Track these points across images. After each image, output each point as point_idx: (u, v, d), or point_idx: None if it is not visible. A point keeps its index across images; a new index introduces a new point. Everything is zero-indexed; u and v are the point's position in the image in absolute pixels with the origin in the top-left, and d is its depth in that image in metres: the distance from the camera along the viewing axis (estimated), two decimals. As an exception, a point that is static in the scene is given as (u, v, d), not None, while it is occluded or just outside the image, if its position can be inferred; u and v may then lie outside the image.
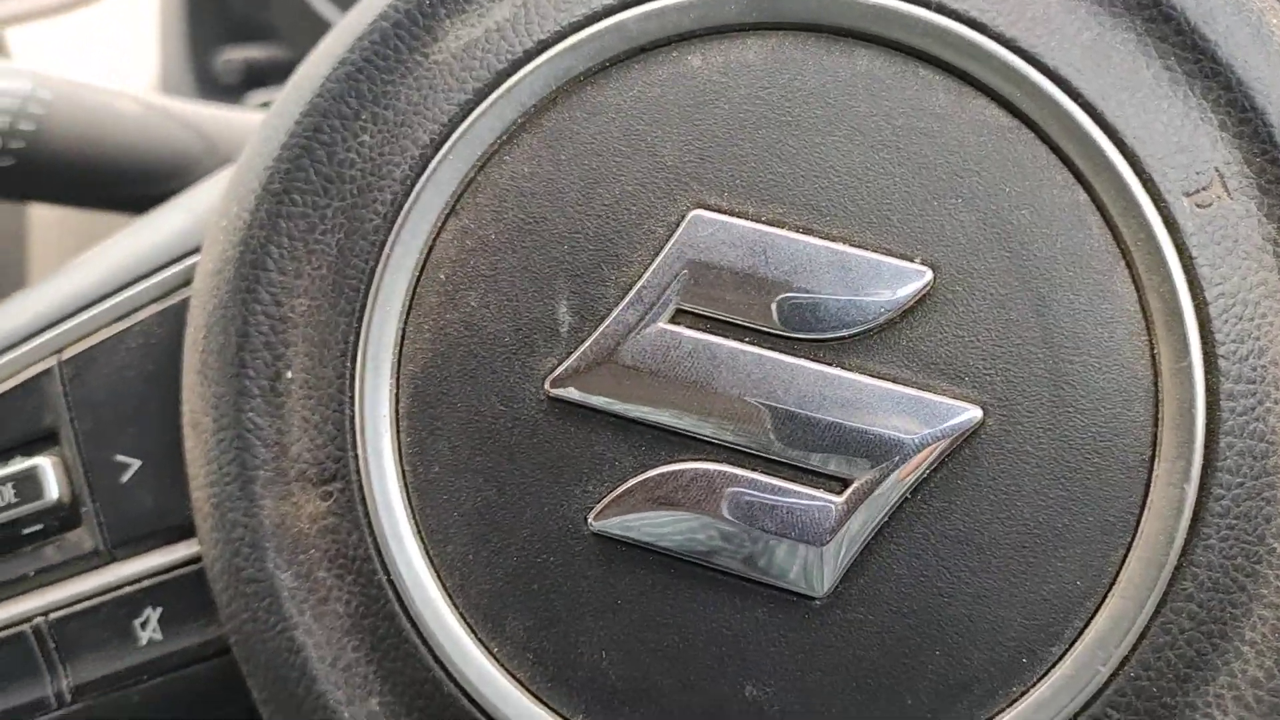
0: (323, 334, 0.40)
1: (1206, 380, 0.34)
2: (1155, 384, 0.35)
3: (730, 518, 0.36)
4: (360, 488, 0.39)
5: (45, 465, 0.44)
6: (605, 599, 0.37)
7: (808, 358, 0.36)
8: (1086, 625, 0.35)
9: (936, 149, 0.36)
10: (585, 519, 0.37)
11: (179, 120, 0.65)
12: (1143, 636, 0.35)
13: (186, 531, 0.43)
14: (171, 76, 0.94)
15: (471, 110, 0.39)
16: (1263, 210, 0.35)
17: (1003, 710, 0.35)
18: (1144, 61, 0.36)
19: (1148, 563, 0.34)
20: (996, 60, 0.36)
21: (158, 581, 0.43)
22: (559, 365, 0.38)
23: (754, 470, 0.36)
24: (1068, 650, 0.35)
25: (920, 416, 0.35)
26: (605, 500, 0.37)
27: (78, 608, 0.44)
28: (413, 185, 0.39)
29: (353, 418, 0.39)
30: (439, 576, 0.39)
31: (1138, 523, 0.35)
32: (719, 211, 0.37)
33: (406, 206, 0.39)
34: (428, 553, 0.39)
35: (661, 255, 0.37)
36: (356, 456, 0.39)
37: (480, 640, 0.38)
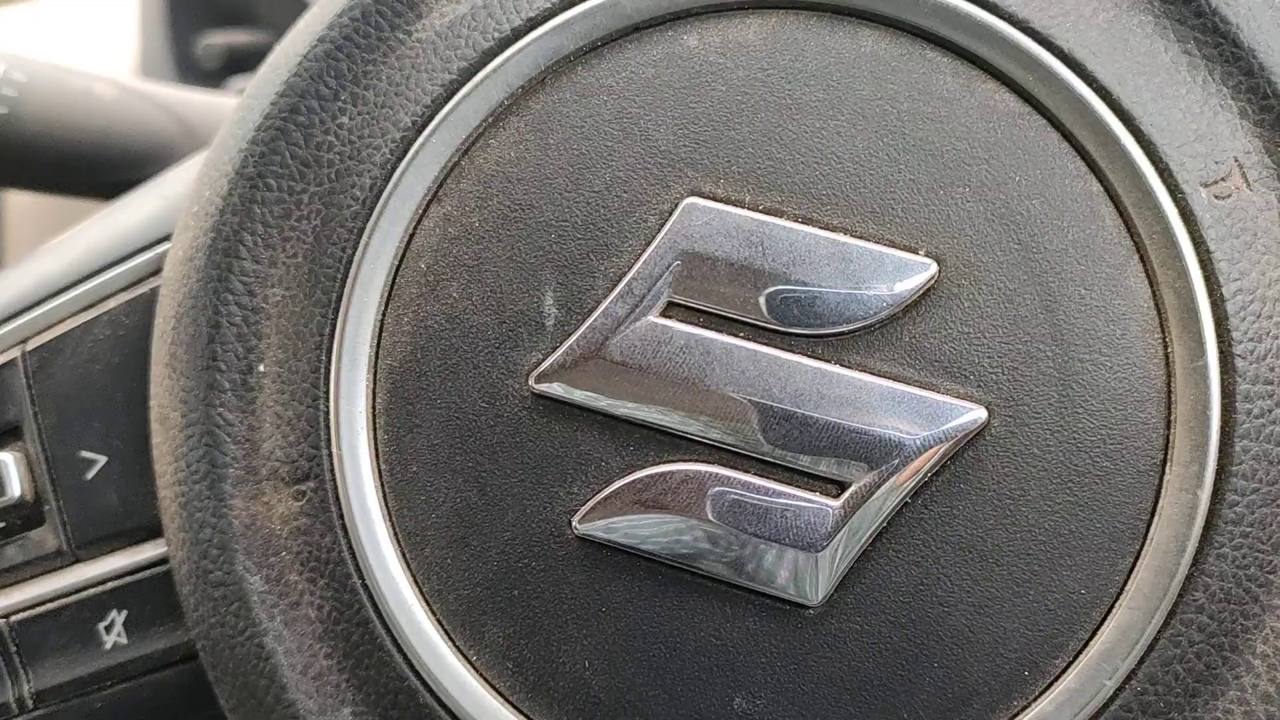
0: (297, 326, 0.38)
1: (1222, 381, 0.33)
2: (1168, 384, 0.33)
3: (721, 522, 0.35)
4: (334, 487, 0.37)
5: (7, 461, 0.42)
6: (589, 606, 0.36)
7: (805, 354, 0.34)
8: (1092, 637, 0.33)
9: (943, 135, 0.34)
10: (569, 522, 0.36)
11: (156, 105, 0.64)
12: (1151, 649, 0.33)
13: (153, 531, 0.42)
14: (151, 61, 0.92)
15: (456, 91, 0.37)
16: None
17: None
18: (1162, 45, 0.34)
19: (1157, 572, 0.33)
20: (1007, 42, 0.34)
21: (123, 583, 0.42)
22: (544, 360, 0.36)
23: (747, 472, 0.35)
24: (1072, 663, 0.34)
25: (922, 417, 0.34)
26: (591, 502, 0.35)
27: (40, 610, 0.42)
28: (393, 169, 0.37)
29: (327, 414, 0.37)
30: (416, 581, 0.37)
31: (1147, 530, 0.33)
32: (714, 199, 0.35)
33: (387, 192, 0.37)
34: (404, 556, 0.37)
35: (653, 245, 0.35)
36: (331, 454, 0.37)
37: (458, 648, 0.37)
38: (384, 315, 0.38)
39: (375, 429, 0.37)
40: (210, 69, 0.91)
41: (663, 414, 0.35)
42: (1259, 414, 0.33)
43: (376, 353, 0.37)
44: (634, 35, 0.37)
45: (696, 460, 0.35)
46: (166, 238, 0.43)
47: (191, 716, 0.44)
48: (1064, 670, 0.34)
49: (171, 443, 0.39)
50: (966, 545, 0.34)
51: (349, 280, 0.37)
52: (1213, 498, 0.33)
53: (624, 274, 0.35)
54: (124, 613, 0.42)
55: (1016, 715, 0.34)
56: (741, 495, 0.35)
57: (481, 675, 0.36)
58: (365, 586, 0.37)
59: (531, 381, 0.36)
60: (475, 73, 0.37)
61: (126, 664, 0.42)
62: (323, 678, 0.38)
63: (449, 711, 0.36)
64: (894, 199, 0.34)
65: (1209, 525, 0.33)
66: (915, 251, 0.34)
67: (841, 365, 0.34)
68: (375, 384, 0.37)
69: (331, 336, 0.38)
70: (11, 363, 0.43)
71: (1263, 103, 0.34)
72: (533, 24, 0.37)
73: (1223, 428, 0.33)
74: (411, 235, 0.37)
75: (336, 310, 0.38)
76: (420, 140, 0.37)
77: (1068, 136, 0.34)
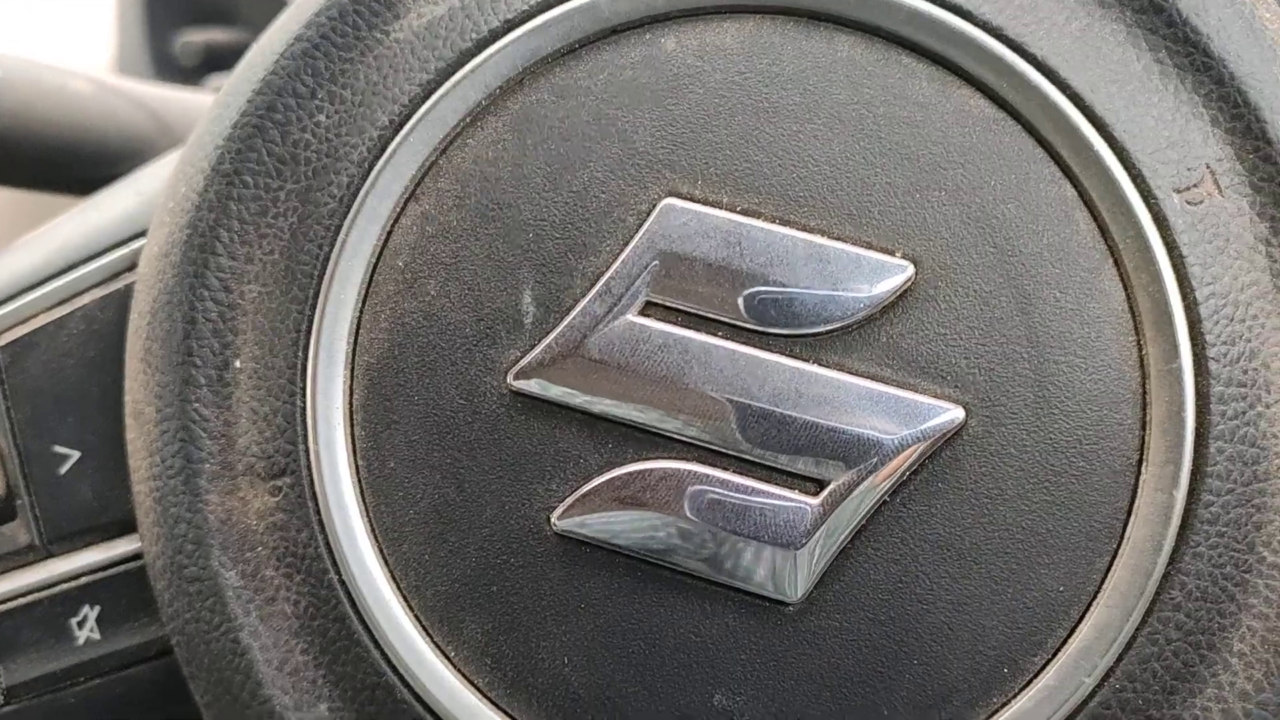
0: (274, 321, 0.38)
1: (1196, 383, 0.33)
2: (1143, 386, 0.34)
3: (700, 519, 0.35)
4: (311, 483, 0.37)
5: (-21, 455, 0.42)
6: (568, 602, 0.36)
7: (783, 353, 0.35)
8: (1070, 634, 0.34)
9: (919, 139, 0.35)
10: (548, 518, 0.36)
11: (133, 101, 0.63)
12: (1128, 647, 0.33)
13: (127, 527, 0.41)
14: (128, 58, 0.92)
15: (434, 91, 0.37)
16: (1255, 209, 0.34)
17: None
18: (1134, 54, 0.35)
19: (1134, 570, 0.33)
20: (982, 49, 0.35)
21: (96, 579, 0.42)
22: (522, 357, 0.36)
23: (726, 470, 0.35)
24: (1051, 660, 0.34)
25: (900, 416, 0.34)
26: (569, 499, 0.36)
27: (11, 605, 0.42)
28: (370, 168, 0.37)
29: (304, 410, 0.37)
30: (393, 577, 0.37)
31: (1124, 529, 0.34)
32: (692, 200, 0.35)
33: (364, 190, 0.37)
34: (381, 552, 0.37)
35: (631, 245, 0.35)
36: (307, 450, 0.37)
37: (436, 644, 0.37)
38: (361, 312, 0.37)
39: (352, 425, 0.37)
40: (188, 66, 0.91)
41: (641, 412, 0.35)
42: (1233, 415, 0.33)
43: (354, 349, 0.37)
44: (612, 38, 0.37)
45: (675, 458, 0.35)
46: (142, 234, 0.43)
47: (165, 713, 0.44)
48: (1043, 668, 0.34)
49: (146, 438, 0.39)
50: (945, 543, 0.34)
51: (326, 277, 0.37)
52: (1188, 497, 0.33)
53: (602, 273, 0.35)
54: (97, 608, 0.42)
55: (996, 712, 0.34)
56: (720, 493, 0.35)
57: (459, 671, 0.36)
58: (342, 582, 0.37)
59: (510, 379, 0.36)
60: (453, 73, 0.37)
61: (99, 660, 0.41)
62: (299, 673, 0.37)
63: (426, 707, 0.36)
64: (870, 201, 0.35)
65: (1185, 525, 0.33)
66: (892, 253, 0.34)
67: (819, 365, 0.35)
68: (352, 380, 0.37)
69: (308, 333, 0.37)
70: None
71: (1233, 111, 0.34)
72: (510, 25, 0.37)
73: (1197, 429, 0.33)
74: (389, 233, 0.37)
75: (313, 307, 0.37)
76: (398, 139, 0.37)
77: (1042, 142, 0.35)
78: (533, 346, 0.36)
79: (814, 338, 0.35)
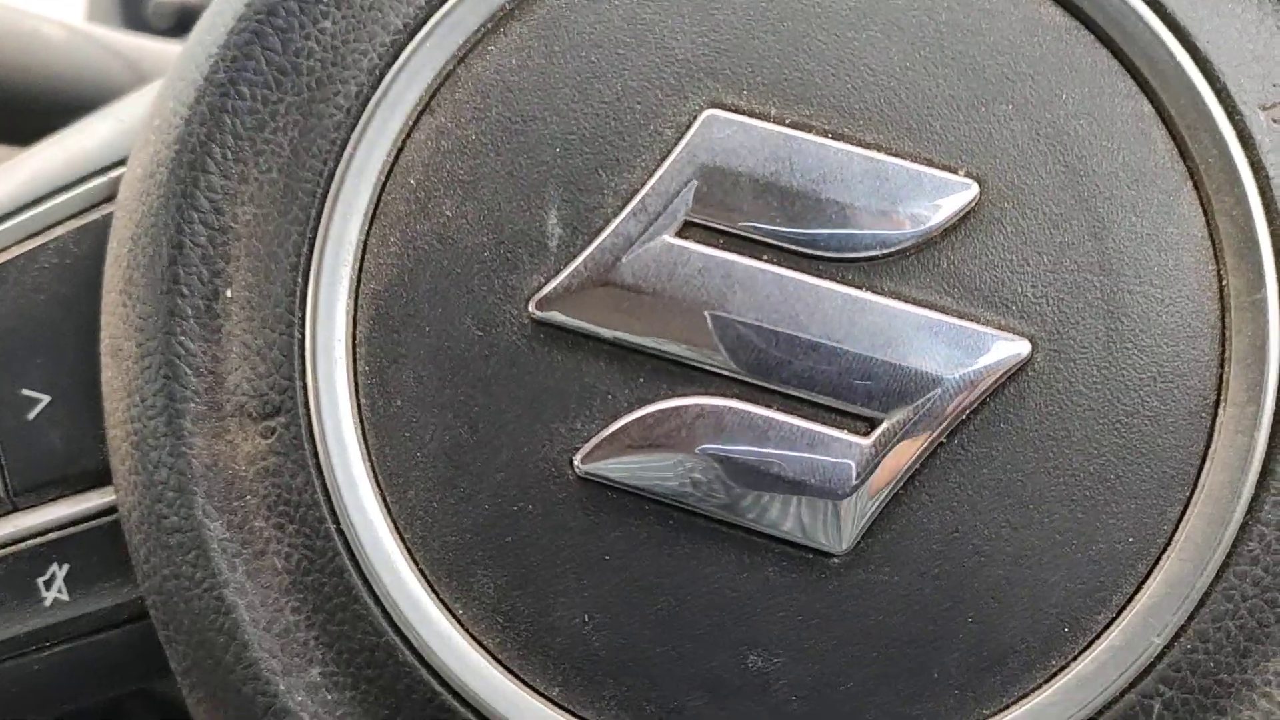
0: (270, 246, 0.35)
1: None
2: (1223, 319, 0.31)
3: (739, 461, 0.32)
4: (308, 423, 0.34)
5: (-61, 398, 0.38)
6: (590, 554, 0.33)
7: (835, 280, 0.32)
8: (1138, 590, 0.31)
9: (984, 49, 0.32)
10: (571, 461, 0.33)
11: (108, 49, 0.60)
12: (1201, 604, 0.31)
13: (100, 478, 0.38)
14: (99, 18, 0.88)
15: None
16: None
17: (1040, 686, 0.32)
18: None
19: (1209, 520, 0.31)
20: None
21: (65, 534, 0.38)
22: (546, 284, 0.33)
23: (769, 407, 0.32)
24: (1116, 618, 0.31)
25: (961, 349, 0.31)
26: (595, 439, 0.33)
27: (-28, 562, 0.38)
28: (381, 77, 0.34)
29: (302, 342, 0.34)
30: (397, 527, 0.34)
31: (1198, 475, 0.31)
32: (736, 112, 0.33)
33: (374, 101, 0.34)
34: (384, 499, 0.34)
35: (669, 160, 0.33)
36: (305, 387, 0.34)
37: (442, 601, 0.34)
38: (368, 235, 0.34)
39: (355, 359, 0.34)
40: (160, 29, 0.87)
41: (677, 343, 0.32)
42: None
43: (359, 276, 0.34)
44: None
45: (713, 394, 0.32)
46: (122, 161, 0.39)
47: (139, 683, 0.41)
48: (1107, 626, 0.31)
49: (125, 376, 0.36)
50: (1005, 490, 0.31)
51: (330, 196, 0.34)
52: (1270, 441, 0.31)
53: (636, 190, 0.33)
54: (65, 567, 0.38)
55: (1055, 675, 0.31)
56: (762, 432, 0.32)
57: (468, 631, 0.34)
58: (340, 532, 0.34)
59: (532, 307, 0.33)
60: None
61: (68, 623, 0.38)
62: (289, 634, 0.34)
63: (431, 670, 0.33)
64: (932, 115, 0.32)
65: (1265, 471, 0.31)
66: (955, 171, 0.32)
67: (874, 292, 0.32)
68: (356, 310, 0.34)
69: (309, 258, 0.34)
70: None
71: None
72: None
73: None
74: (400, 149, 0.34)
75: (315, 229, 0.34)
76: (412, 45, 0.34)
77: (1117, 53, 0.32)
78: (558, 271, 0.33)
79: (869, 262, 0.32)
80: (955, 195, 0.32)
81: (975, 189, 0.32)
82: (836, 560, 0.32)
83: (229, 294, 0.35)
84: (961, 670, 0.31)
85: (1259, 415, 0.31)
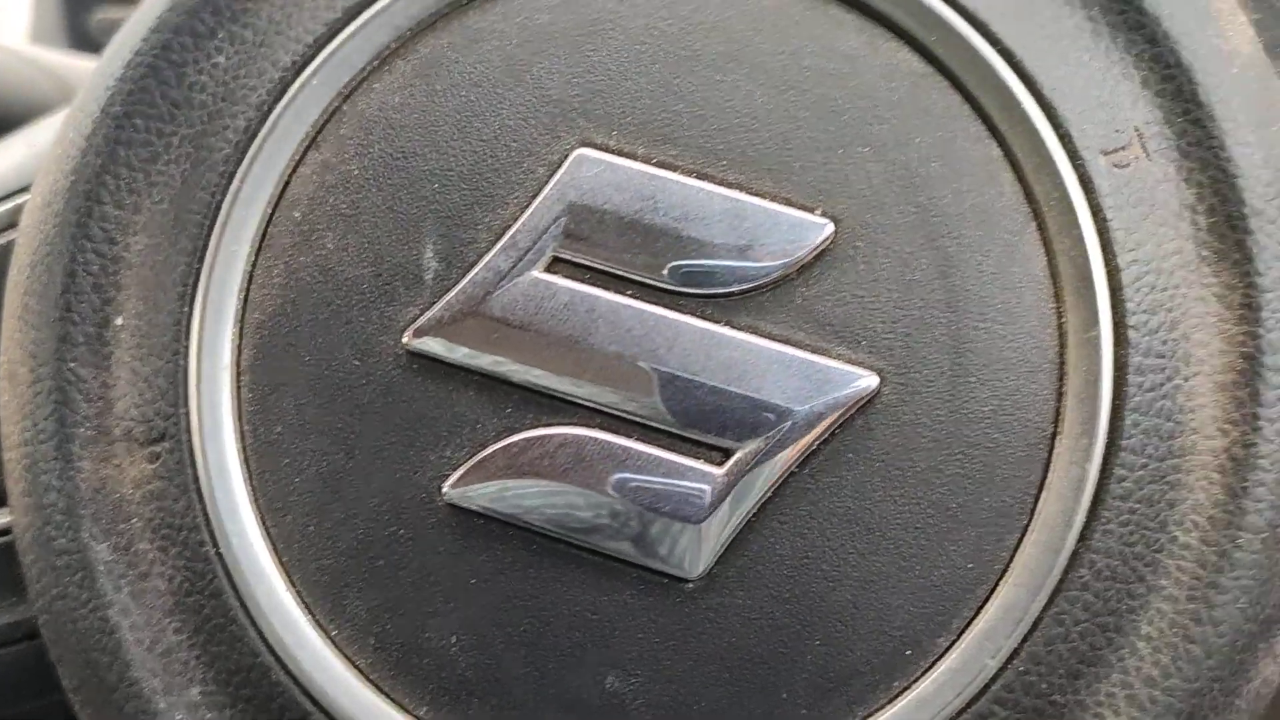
0: (160, 275, 0.36)
1: (1115, 353, 0.32)
2: (1061, 355, 0.32)
3: (599, 489, 0.33)
4: (191, 449, 0.35)
5: None
6: (457, 578, 0.34)
7: (694, 315, 0.33)
8: (976, 615, 0.32)
9: (845, 93, 0.33)
10: (440, 488, 0.34)
11: (41, 69, 0.61)
12: (1034, 628, 0.32)
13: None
14: (43, 33, 0.89)
15: (339, 31, 0.35)
16: (1182, 174, 0.33)
17: (883, 707, 0.32)
18: (1067, 11, 0.34)
19: (1044, 548, 0.32)
20: (912, 1, 0.33)
21: None
22: (421, 315, 0.34)
23: (629, 437, 0.33)
24: (955, 641, 0.32)
25: (812, 383, 0.32)
26: (463, 467, 0.33)
27: None
28: (269, 111, 0.35)
29: (187, 369, 0.35)
30: (275, 550, 0.35)
31: (1035, 504, 0.32)
32: (605, 151, 0.34)
33: (261, 135, 0.35)
34: (264, 523, 0.35)
35: (540, 197, 0.34)
36: (189, 414, 0.35)
37: (317, 622, 0.34)
38: (254, 266, 0.35)
39: (239, 387, 0.35)
40: (104, 45, 0.88)
41: (543, 374, 0.33)
42: (1150, 387, 0.32)
43: (244, 305, 0.35)
44: None
45: (577, 424, 0.33)
46: (28, 188, 0.40)
47: (37, 701, 0.41)
48: (947, 649, 0.32)
49: (19, 400, 0.37)
50: (853, 517, 0.32)
51: (217, 227, 0.35)
52: (1101, 472, 0.32)
53: (509, 226, 0.34)
54: (-40, 586, 0.39)
55: (897, 696, 0.32)
56: (621, 461, 0.33)
57: (340, 651, 0.34)
58: (219, 555, 0.34)
59: (407, 338, 0.34)
60: (360, 13, 0.35)
61: (-39, 642, 0.39)
62: (171, 654, 0.35)
63: (303, 690, 0.34)
64: (792, 156, 0.33)
65: (1096, 500, 0.32)
66: (812, 211, 0.33)
67: (731, 327, 0.33)
68: (241, 339, 0.35)
69: (195, 287, 0.35)
70: None
71: (1165, 72, 0.33)
72: None
73: (1114, 400, 0.32)
74: (287, 182, 0.35)
75: (201, 259, 0.35)
76: (299, 82, 0.35)
77: (970, 99, 0.33)
78: (432, 304, 0.34)
79: (727, 298, 0.33)
80: (812, 234, 0.33)
81: (831, 228, 0.33)
82: (691, 585, 0.33)
83: (119, 321, 0.36)
84: (809, 691, 0.32)
85: (1091, 447, 0.32)
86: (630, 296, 0.33)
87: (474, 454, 0.33)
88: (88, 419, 0.36)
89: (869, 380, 0.32)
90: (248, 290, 0.35)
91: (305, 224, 0.35)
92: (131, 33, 0.37)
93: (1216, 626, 0.31)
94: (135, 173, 0.36)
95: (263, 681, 0.34)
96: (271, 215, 0.35)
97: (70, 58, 0.64)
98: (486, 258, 0.34)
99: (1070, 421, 0.32)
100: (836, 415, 0.32)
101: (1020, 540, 0.32)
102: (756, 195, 0.33)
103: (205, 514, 0.35)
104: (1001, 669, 0.32)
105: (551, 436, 0.33)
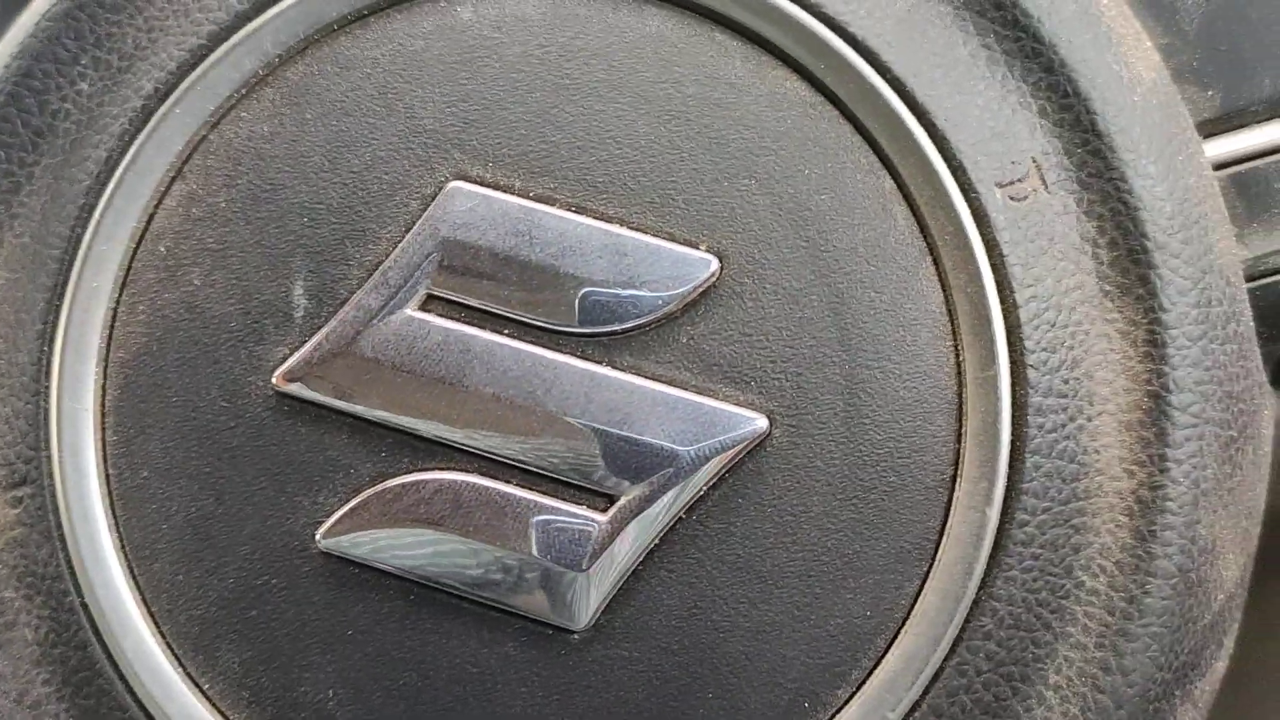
0: (19, 312, 0.34)
1: (1013, 392, 0.31)
2: (960, 395, 0.31)
3: (478, 537, 0.31)
4: (53, 493, 0.33)
5: None
6: (334, 629, 0.32)
7: (574, 354, 0.32)
8: (876, 665, 0.31)
9: (729, 123, 0.32)
10: (314, 535, 0.32)
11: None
12: (935, 679, 0.31)
13: None
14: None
15: (205, 57, 0.34)
16: (1082, 206, 0.32)
17: None
18: (961, 38, 0.32)
19: (944, 595, 0.31)
20: (799, 27, 0.32)
21: None
22: (291, 355, 0.32)
23: (508, 483, 0.32)
24: (854, 694, 0.31)
25: (699, 425, 0.31)
26: (337, 514, 0.32)
27: None
28: (131, 140, 0.34)
29: (48, 411, 0.33)
30: (143, 599, 0.33)
31: (936, 550, 0.31)
32: (481, 184, 0.32)
33: (123, 165, 0.34)
34: (131, 571, 0.33)
35: (412, 231, 0.32)
36: (50, 457, 0.33)
37: (189, 674, 0.33)
38: (118, 304, 0.34)
39: (104, 429, 0.33)
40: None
41: (417, 417, 0.32)
42: (1051, 428, 0.31)
43: (108, 345, 0.34)
44: (403, 5, 0.33)
45: (454, 469, 0.32)
46: None
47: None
48: (846, 702, 0.31)
49: None
50: (744, 565, 0.31)
51: (77, 261, 0.33)
52: (1002, 516, 0.31)
53: (380, 262, 0.32)
54: None
55: None
56: (500, 508, 0.31)
57: (214, 705, 0.33)
58: (84, 605, 0.33)
59: (276, 379, 0.32)
60: (227, 38, 0.34)
61: None
62: (40, 706, 0.33)
63: None
64: (675, 189, 0.32)
65: (997, 546, 0.31)
66: (696, 246, 0.32)
67: (613, 368, 0.31)
68: (105, 379, 0.34)
69: (55, 324, 0.34)
70: None
71: (1062, 101, 0.32)
72: None
73: (1013, 442, 0.31)
74: (152, 215, 0.34)
75: (62, 295, 0.34)
76: (163, 110, 0.34)
77: (860, 129, 0.32)
78: (302, 343, 0.32)
79: (608, 337, 0.32)
80: (696, 270, 0.31)
81: (716, 264, 0.31)
82: (576, 636, 0.31)
83: None
84: None
85: (991, 491, 0.31)
86: (507, 336, 0.32)
87: (347, 500, 0.32)
88: None
89: (759, 422, 0.31)
90: (111, 328, 0.34)
91: (170, 259, 0.33)
92: None
93: (1126, 676, 0.31)
94: None
95: None
96: (135, 250, 0.34)
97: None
98: (357, 295, 0.32)
99: (969, 464, 0.31)
100: (725, 458, 0.31)
101: (920, 588, 0.31)
102: (638, 230, 0.32)
103: (69, 562, 0.33)
104: None
105: (427, 482, 0.32)
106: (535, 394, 0.31)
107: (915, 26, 0.32)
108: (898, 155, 0.32)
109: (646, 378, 0.31)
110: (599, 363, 0.32)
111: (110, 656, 0.33)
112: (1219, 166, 0.35)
